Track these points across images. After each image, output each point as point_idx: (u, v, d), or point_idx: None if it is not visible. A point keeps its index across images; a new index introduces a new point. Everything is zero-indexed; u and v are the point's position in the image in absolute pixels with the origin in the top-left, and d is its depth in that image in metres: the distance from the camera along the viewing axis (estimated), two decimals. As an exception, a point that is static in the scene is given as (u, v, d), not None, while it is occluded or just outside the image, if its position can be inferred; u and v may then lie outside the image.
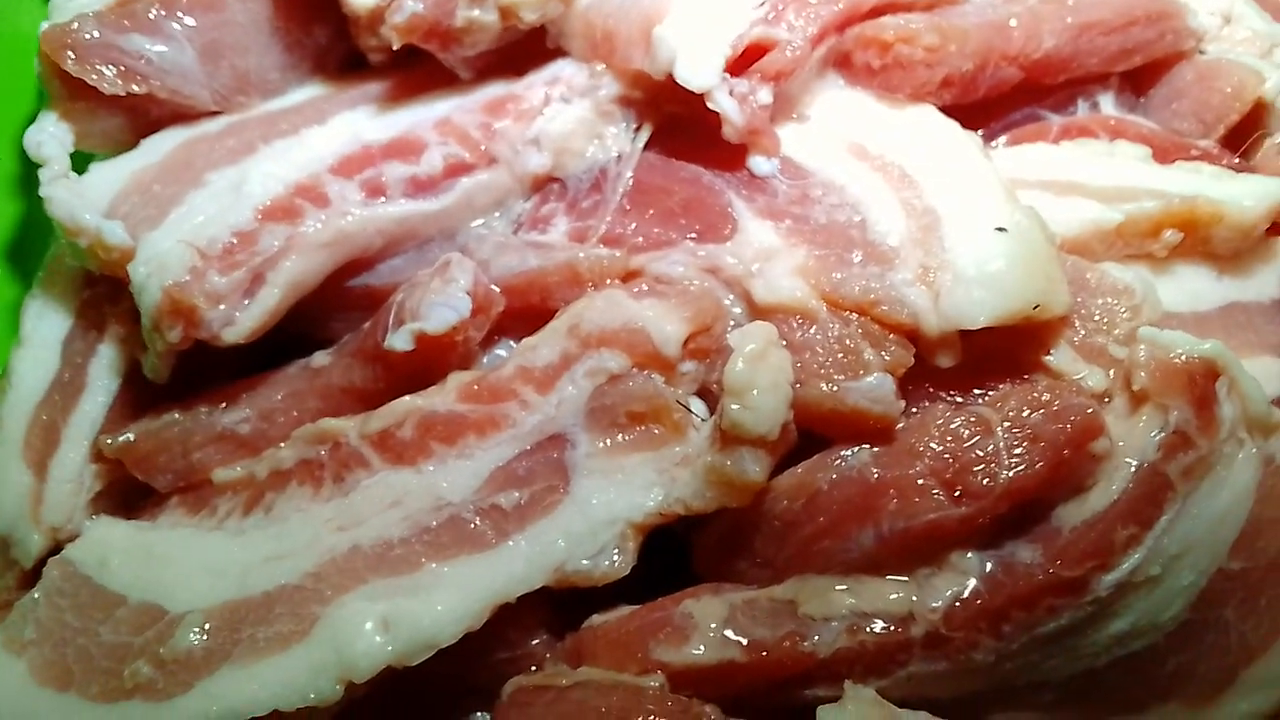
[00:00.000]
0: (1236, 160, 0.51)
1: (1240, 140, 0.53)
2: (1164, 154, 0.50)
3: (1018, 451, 0.41)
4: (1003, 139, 0.52)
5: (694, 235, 0.47)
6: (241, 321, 0.46)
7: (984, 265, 0.42)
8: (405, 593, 0.44)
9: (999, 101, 0.51)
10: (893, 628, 0.42)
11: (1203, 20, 0.53)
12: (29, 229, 0.57)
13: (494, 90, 0.49)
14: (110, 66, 0.49)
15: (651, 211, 0.48)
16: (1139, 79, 0.53)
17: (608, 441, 0.44)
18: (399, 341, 0.46)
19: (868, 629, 0.42)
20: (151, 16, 0.51)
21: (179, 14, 0.50)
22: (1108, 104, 0.54)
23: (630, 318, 0.45)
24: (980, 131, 0.53)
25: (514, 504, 0.45)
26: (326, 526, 0.46)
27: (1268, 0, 0.58)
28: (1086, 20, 0.50)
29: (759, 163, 0.47)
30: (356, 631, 0.43)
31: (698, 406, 0.45)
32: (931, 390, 0.44)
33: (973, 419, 0.41)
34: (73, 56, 0.50)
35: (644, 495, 0.44)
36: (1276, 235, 0.49)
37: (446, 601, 0.43)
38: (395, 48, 0.48)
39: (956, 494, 0.41)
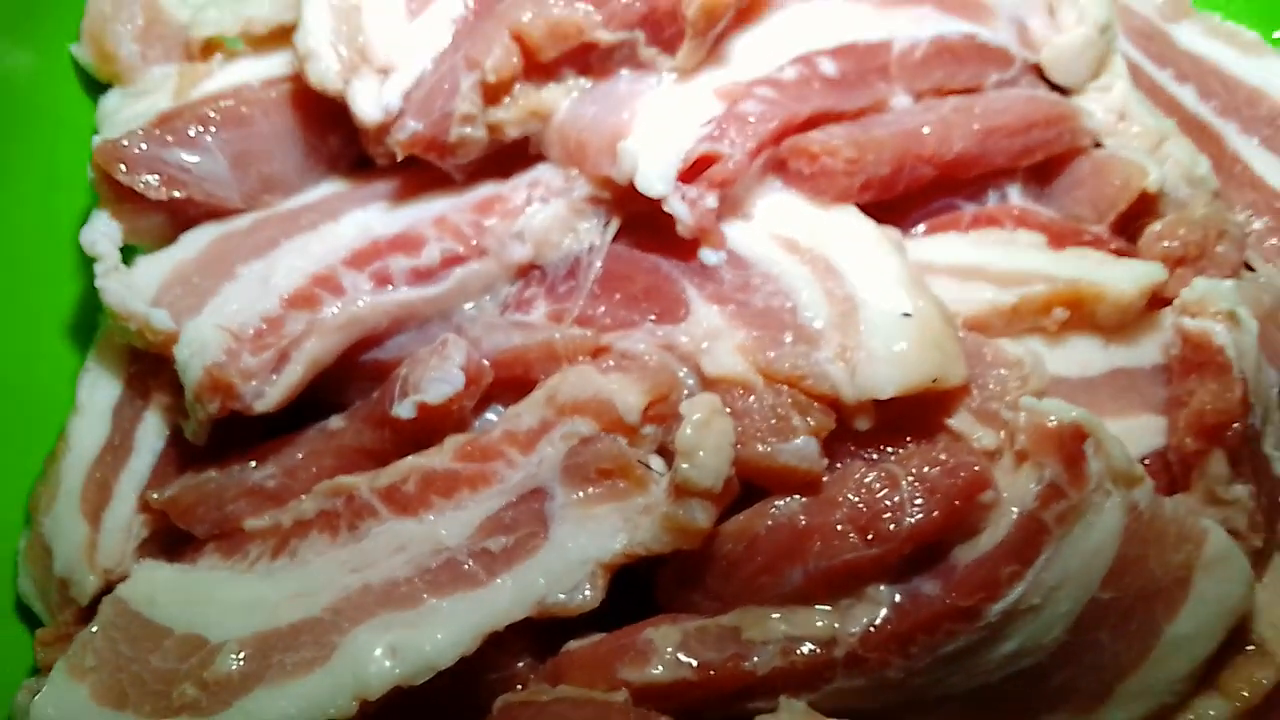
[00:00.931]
0: (1121, 244, 0.53)
1: (1132, 222, 0.55)
2: (1059, 240, 0.55)
3: (918, 502, 0.47)
4: (922, 227, 0.55)
5: (654, 317, 0.53)
6: (270, 394, 0.52)
7: (891, 346, 0.48)
8: (409, 625, 0.49)
9: (920, 193, 0.56)
10: (819, 649, 0.47)
11: (1099, 119, 0.58)
12: (85, 307, 0.60)
13: (483, 191, 0.55)
14: (154, 175, 0.54)
15: (618, 296, 0.54)
16: (1043, 171, 0.58)
17: (580, 494, 0.50)
18: (404, 410, 0.51)
19: (798, 651, 0.47)
20: (191, 133, 0.56)
21: (213, 129, 0.55)
22: (1015, 194, 0.59)
23: (598, 390, 0.50)
24: (905, 220, 0.56)
25: (501, 548, 0.50)
26: (342, 568, 0.51)
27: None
28: (992, 125, 0.55)
29: (708, 255, 0.53)
30: (369, 657, 0.48)
31: (656, 464, 0.50)
32: (852, 449, 0.50)
33: (883, 474, 0.47)
34: (123, 168, 0.55)
35: (611, 539, 0.49)
36: (1157, 309, 0.52)
37: (444, 631, 0.48)
38: (399, 158, 0.52)
39: (869, 538, 0.47)
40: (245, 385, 0.51)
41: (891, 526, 0.46)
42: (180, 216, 0.57)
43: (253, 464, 0.54)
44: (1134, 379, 0.52)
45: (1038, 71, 0.59)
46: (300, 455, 0.54)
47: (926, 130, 0.53)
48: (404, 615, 0.49)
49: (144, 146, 0.55)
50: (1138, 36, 0.62)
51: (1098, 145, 0.59)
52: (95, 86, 0.60)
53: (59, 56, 0.59)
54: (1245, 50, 0.62)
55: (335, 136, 0.57)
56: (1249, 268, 0.58)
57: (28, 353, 0.59)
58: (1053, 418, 0.46)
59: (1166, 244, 0.53)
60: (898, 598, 0.48)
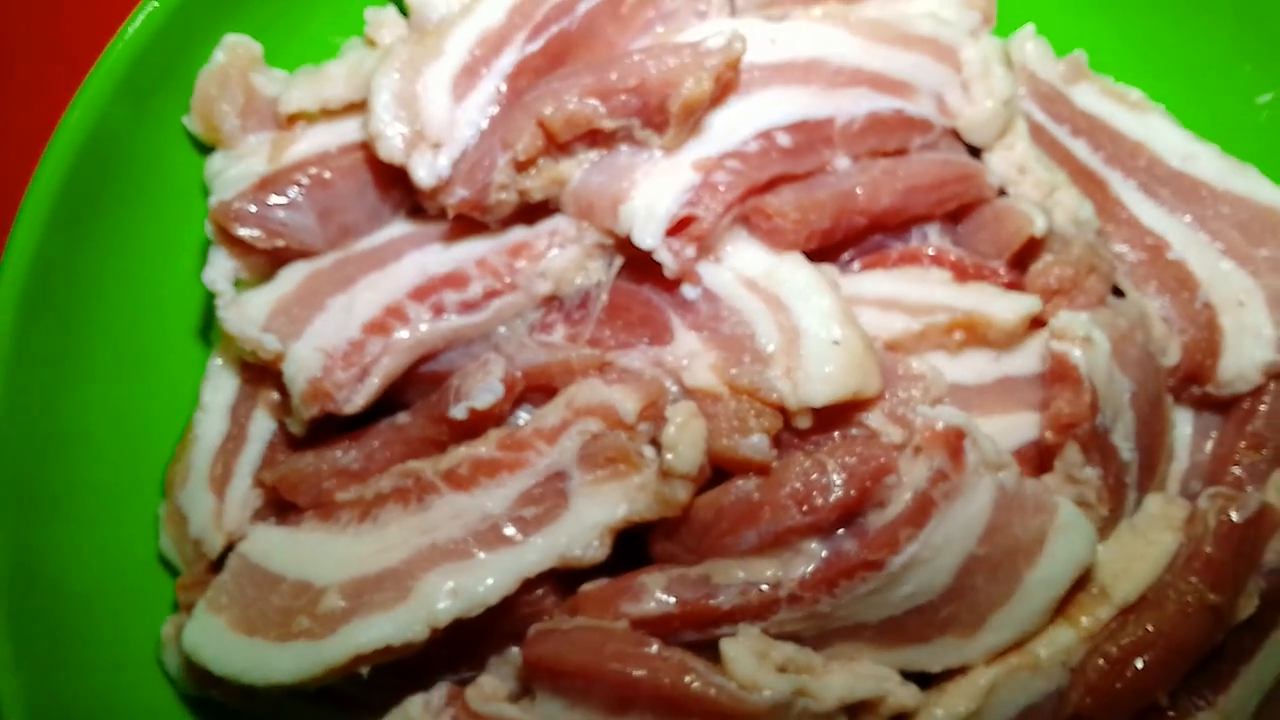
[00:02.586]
0: (1012, 278, 0.65)
1: (1027, 257, 0.66)
2: (962, 275, 0.65)
3: (841, 482, 0.57)
4: (857, 263, 0.66)
5: (646, 340, 0.63)
6: (356, 400, 0.63)
7: (824, 367, 0.59)
8: (465, 573, 0.60)
9: (856, 235, 0.66)
10: (768, 590, 0.58)
11: (1002, 173, 0.68)
12: (204, 324, 0.70)
13: (514, 237, 0.65)
14: (259, 229, 0.64)
15: (619, 323, 0.63)
16: (957, 214, 0.68)
17: (592, 476, 0.60)
18: (458, 413, 0.62)
19: (753, 592, 0.58)
20: (286, 194, 0.64)
21: (303, 190, 0.65)
22: (934, 233, 0.68)
23: (605, 397, 0.60)
24: (845, 253, 0.66)
25: (533, 515, 0.61)
26: (413, 531, 0.61)
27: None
28: (913, 184, 0.65)
29: (688, 291, 0.62)
30: (436, 597, 0.59)
31: (649, 453, 0.60)
32: (795, 442, 0.61)
33: (816, 462, 0.58)
34: (235, 224, 0.64)
35: (615, 509, 0.60)
36: (1039, 329, 0.64)
37: (492, 578, 0.59)
38: (450, 215, 0.63)
39: (805, 509, 0.57)
40: (338, 394, 0.62)
41: (821, 501, 0.57)
42: (277, 257, 0.66)
43: (340, 450, 0.65)
44: (1017, 385, 0.64)
45: (955, 134, 0.68)
46: (377, 444, 0.65)
47: (859, 190, 0.64)
48: (461, 565, 0.60)
49: (250, 206, 0.65)
50: (1041, 99, 0.71)
51: (1002, 192, 0.68)
52: (201, 148, 0.69)
53: (174, 125, 0.68)
54: (1130, 108, 0.71)
55: (397, 191, 0.67)
56: (1120, 293, 0.68)
57: (162, 362, 0.69)
58: (941, 422, 0.57)
59: (1045, 280, 0.64)
60: (825, 553, 0.58)
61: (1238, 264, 0.68)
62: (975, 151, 0.69)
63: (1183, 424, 0.68)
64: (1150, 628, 0.59)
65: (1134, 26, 0.73)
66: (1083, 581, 0.60)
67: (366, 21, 0.70)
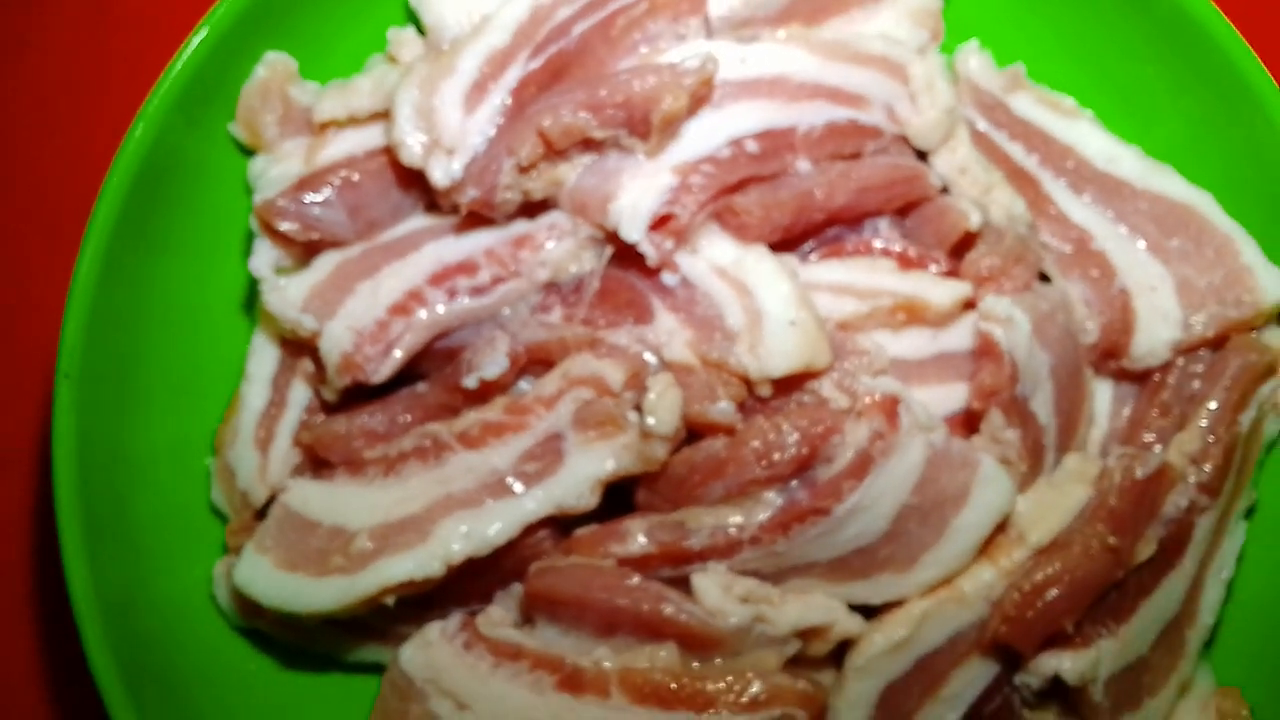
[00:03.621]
0: (950, 266, 0.71)
1: (964, 248, 0.73)
2: (905, 264, 0.71)
3: (793, 440, 0.63)
4: (815, 253, 0.72)
5: (631, 320, 0.69)
6: (381, 372, 0.69)
7: (782, 344, 0.65)
8: (476, 519, 0.66)
9: (815, 228, 0.72)
10: (733, 533, 0.65)
11: (943, 173, 0.74)
12: (248, 305, 0.76)
13: (517, 229, 0.70)
14: (298, 224, 0.70)
15: (608, 305, 0.69)
16: (904, 211, 0.73)
17: (585, 436, 0.66)
18: (470, 383, 0.69)
19: (720, 535, 0.65)
20: (320, 194, 0.70)
21: (335, 190, 0.70)
22: (884, 225, 0.72)
23: (595, 369, 0.67)
24: (804, 247, 0.72)
25: (534, 470, 0.67)
26: (431, 484, 0.68)
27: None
28: (864, 185, 0.70)
29: (668, 278, 0.68)
30: (451, 538, 0.65)
31: (633, 417, 0.66)
32: (758, 408, 0.67)
33: (774, 424, 0.64)
34: (278, 219, 0.70)
35: (604, 465, 0.66)
36: (971, 309, 0.71)
37: (499, 523, 0.66)
38: (462, 211, 0.70)
39: (764, 464, 0.64)
40: (367, 366, 0.68)
41: (778, 457, 0.64)
42: (312, 248, 0.72)
43: (368, 415, 0.71)
44: (952, 359, 0.71)
45: (904, 140, 0.74)
46: (399, 409, 0.71)
47: (817, 190, 0.70)
48: (472, 513, 0.66)
49: (290, 204, 0.70)
50: (982, 106, 0.77)
51: (945, 190, 0.74)
52: (245, 152, 0.76)
53: (221, 133, 0.75)
54: (1062, 115, 0.77)
55: (416, 190, 0.72)
56: (1046, 278, 0.75)
57: (212, 337, 0.76)
58: (880, 391, 0.65)
59: (977, 268, 0.71)
60: (781, 501, 0.65)
61: (1152, 254, 0.74)
62: (922, 155, 0.75)
63: (1103, 394, 0.75)
64: (1058, 566, 0.66)
65: (1068, 40, 0.78)
66: (1003, 527, 0.67)
67: (389, 40, 0.77)
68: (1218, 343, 0.74)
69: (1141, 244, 0.75)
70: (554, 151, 0.69)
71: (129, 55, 0.87)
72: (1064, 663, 0.67)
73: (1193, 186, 0.74)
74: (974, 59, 0.79)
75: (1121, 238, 0.75)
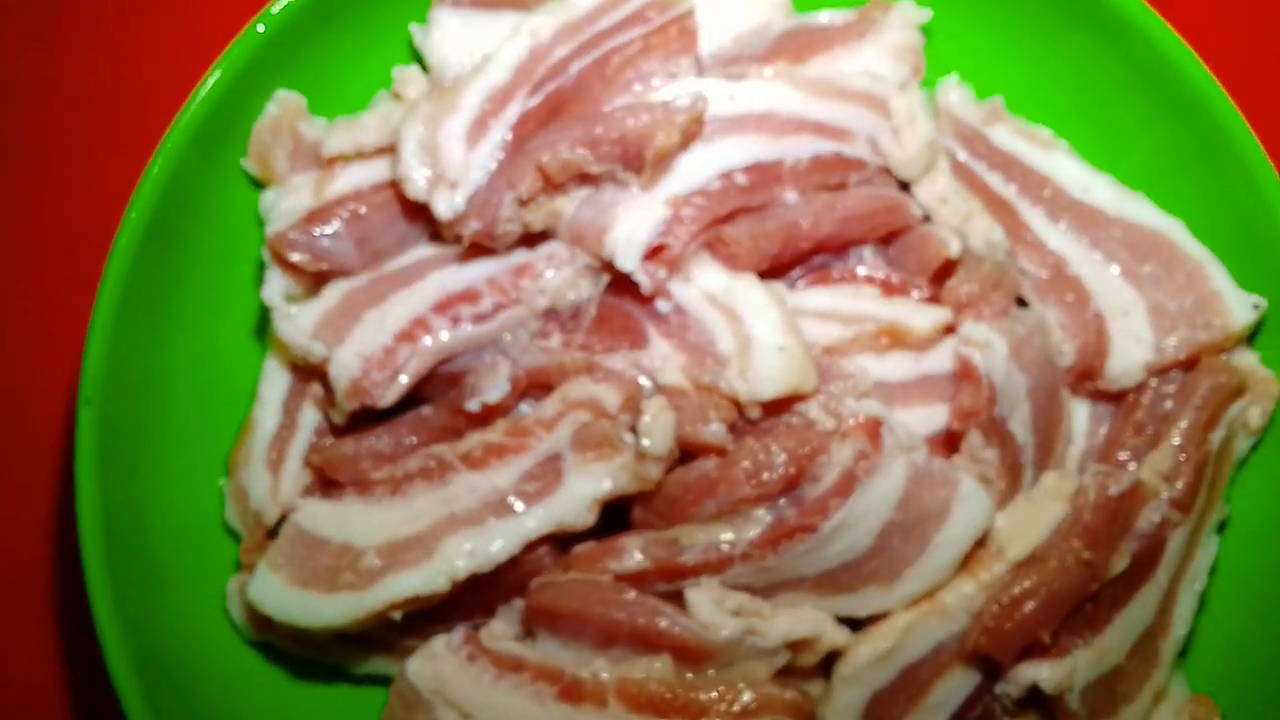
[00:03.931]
0: (931, 292, 0.73)
1: (945, 274, 0.75)
2: (889, 290, 0.73)
3: (781, 460, 0.66)
4: (802, 281, 0.74)
5: (627, 346, 0.71)
6: (389, 396, 0.71)
7: (770, 368, 0.67)
8: (479, 537, 0.68)
9: (802, 256, 0.74)
10: (725, 549, 0.67)
11: (925, 203, 0.76)
12: (259, 330, 0.78)
13: (517, 258, 0.72)
14: (307, 255, 0.73)
15: (604, 331, 0.71)
16: (888, 239, 0.75)
17: (582, 457, 0.68)
18: (473, 406, 0.70)
19: (712, 551, 0.67)
20: (329, 226, 0.72)
21: (343, 222, 0.73)
22: (868, 253, 0.75)
23: (592, 393, 0.69)
24: (793, 274, 0.74)
25: (534, 490, 0.69)
26: (436, 503, 0.70)
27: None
28: (849, 215, 0.72)
29: (661, 304, 0.70)
30: (456, 556, 0.68)
31: (629, 438, 0.68)
32: (748, 429, 0.69)
33: (763, 445, 0.66)
34: (289, 251, 0.72)
35: (601, 484, 0.68)
36: (952, 333, 0.73)
37: (501, 541, 0.68)
38: (465, 242, 0.71)
39: (754, 483, 0.66)
40: (374, 391, 0.70)
41: (767, 476, 0.66)
42: (322, 277, 0.74)
43: (375, 437, 0.73)
44: (934, 381, 0.72)
45: (887, 171, 0.76)
46: (405, 431, 0.73)
47: (804, 221, 0.72)
48: (476, 530, 0.68)
49: (300, 236, 0.73)
50: (962, 138, 0.80)
51: (927, 219, 0.77)
52: (256, 185, 0.79)
53: (234, 167, 0.78)
54: (1039, 146, 0.79)
55: (420, 222, 0.74)
56: (1024, 303, 0.78)
57: (225, 362, 0.78)
58: (864, 413, 0.67)
59: (956, 294, 0.73)
60: (770, 518, 0.67)
61: (1125, 279, 0.77)
62: (904, 185, 0.77)
63: (1080, 414, 0.78)
64: (1035, 579, 0.68)
65: (1045, 74, 0.81)
66: (982, 542, 0.69)
67: (394, 78, 0.79)
68: (1189, 364, 0.76)
69: (1115, 270, 0.77)
70: (552, 185, 0.71)
71: (143, 91, 0.90)
72: (1041, 672, 0.69)
73: (1164, 214, 0.77)
74: (954, 93, 0.81)
75: (1096, 263, 0.78)
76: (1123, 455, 0.77)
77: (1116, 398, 0.78)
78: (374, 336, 0.72)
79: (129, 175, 0.75)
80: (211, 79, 0.75)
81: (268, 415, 0.76)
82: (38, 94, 0.91)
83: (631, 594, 0.68)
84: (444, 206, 0.71)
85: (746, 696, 0.66)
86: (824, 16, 0.78)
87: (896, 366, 0.73)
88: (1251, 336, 0.76)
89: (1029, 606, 0.68)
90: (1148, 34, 0.77)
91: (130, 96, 0.91)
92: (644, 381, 0.71)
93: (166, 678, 0.71)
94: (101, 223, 0.81)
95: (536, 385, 0.72)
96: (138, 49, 0.91)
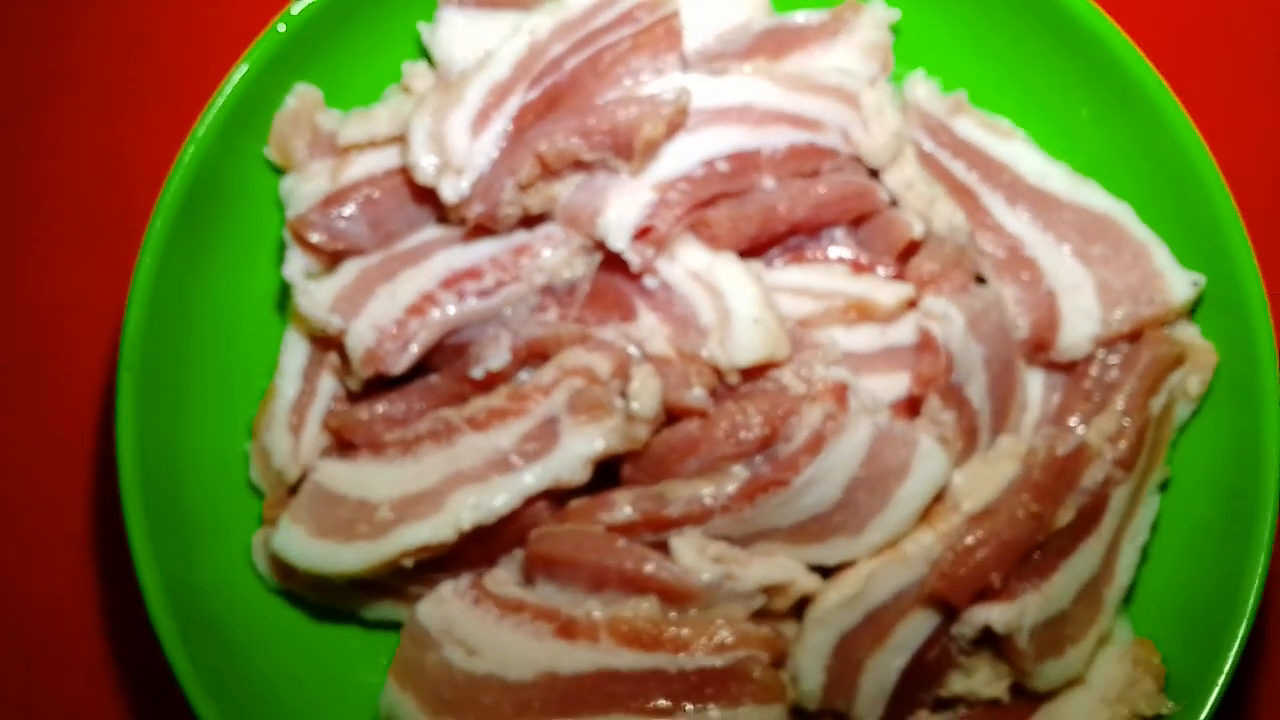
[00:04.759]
0: (896, 270, 0.77)
1: (909, 254, 0.77)
2: (858, 269, 0.77)
3: (757, 421, 0.70)
4: (779, 260, 0.77)
5: (617, 319, 0.74)
6: (401, 365, 0.74)
7: (748, 339, 0.71)
8: (483, 492, 0.72)
9: (779, 238, 0.77)
10: (706, 503, 0.71)
11: (892, 189, 0.79)
12: (280, 305, 0.82)
13: (517, 239, 0.76)
14: (325, 235, 0.77)
15: (597, 306, 0.74)
16: (858, 222, 0.78)
17: (577, 420, 0.72)
18: (477, 374, 0.74)
19: (695, 504, 0.71)
20: (345, 209, 0.76)
21: (358, 207, 0.76)
22: (840, 234, 0.78)
23: (586, 362, 0.72)
24: (770, 254, 0.78)
25: (533, 450, 0.72)
26: (443, 462, 0.73)
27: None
28: (821, 200, 0.76)
29: (649, 281, 0.74)
30: (462, 509, 0.71)
31: (619, 402, 0.72)
32: (727, 393, 0.73)
33: (741, 408, 0.70)
34: (308, 232, 0.76)
35: (594, 445, 0.71)
36: (913, 308, 0.76)
37: (503, 495, 0.72)
38: (469, 223, 0.75)
39: (732, 443, 0.70)
40: (387, 359, 0.74)
41: (744, 436, 0.70)
42: (337, 256, 0.78)
43: (388, 402, 0.76)
44: (897, 352, 0.76)
45: (857, 159, 0.78)
46: (415, 397, 0.77)
47: (780, 205, 0.75)
48: (480, 486, 0.72)
49: (319, 218, 0.76)
50: (928, 129, 0.83)
51: (894, 203, 0.79)
52: (276, 171, 0.82)
53: (257, 155, 0.82)
54: (999, 136, 0.83)
55: (428, 205, 0.77)
56: (983, 281, 0.82)
57: (249, 334, 0.82)
58: (832, 380, 0.71)
59: (919, 272, 0.76)
60: (747, 475, 0.71)
61: (1076, 259, 0.80)
62: (873, 173, 0.79)
63: (1035, 383, 0.81)
64: (987, 530, 0.72)
65: (1006, 70, 0.85)
66: (940, 497, 0.73)
67: (404, 73, 0.82)
68: (1134, 337, 0.79)
69: (1067, 250, 0.80)
70: (549, 172, 0.74)
71: (172, 85, 0.96)
72: (993, 614, 0.73)
73: (1113, 199, 0.80)
74: (921, 87, 0.85)
75: (1049, 245, 0.80)
76: (1073, 420, 0.81)
77: (1068, 368, 0.80)
78: (386, 310, 0.76)
79: (161, 162, 0.81)
80: (237, 75, 0.80)
81: (288, 383, 0.80)
82: (73, 86, 0.97)
83: (621, 543, 0.72)
84: (450, 191, 0.75)
85: (725, 633, 0.72)
86: (800, 16, 0.82)
87: (863, 338, 0.77)
88: (1192, 311, 0.80)
89: (981, 554, 0.72)
90: (1100, 35, 0.81)
91: (161, 90, 0.97)
92: (633, 351, 0.75)
93: (199, 620, 0.75)
94: (136, 207, 0.86)
95: (535, 355, 0.76)
96: (165, 47, 0.97)
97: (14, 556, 0.88)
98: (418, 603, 0.74)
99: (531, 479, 0.73)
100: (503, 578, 0.75)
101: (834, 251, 0.79)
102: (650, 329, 0.75)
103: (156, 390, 0.76)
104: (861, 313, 0.77)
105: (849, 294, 0.77)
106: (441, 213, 0.77)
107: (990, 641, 0.74)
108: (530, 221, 0.76)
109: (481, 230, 0.76)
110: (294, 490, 0.78)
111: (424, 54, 0.83)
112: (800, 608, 0.74)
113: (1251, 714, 0.89)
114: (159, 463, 0.76)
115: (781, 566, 0.73)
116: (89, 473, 0.90)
